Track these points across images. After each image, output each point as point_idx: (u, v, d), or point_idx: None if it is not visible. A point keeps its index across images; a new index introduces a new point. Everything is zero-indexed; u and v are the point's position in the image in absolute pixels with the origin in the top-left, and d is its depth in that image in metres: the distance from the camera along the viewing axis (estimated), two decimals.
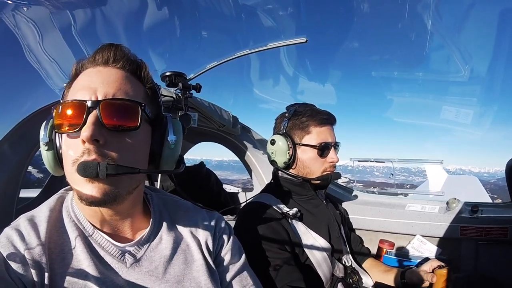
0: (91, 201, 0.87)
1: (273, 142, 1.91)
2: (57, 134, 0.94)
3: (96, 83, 0.91)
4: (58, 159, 0.95)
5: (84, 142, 0.85)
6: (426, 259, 2.29)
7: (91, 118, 0.86)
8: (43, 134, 0.94)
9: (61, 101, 0.93)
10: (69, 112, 0.89)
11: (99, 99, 0.89)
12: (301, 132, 1.90)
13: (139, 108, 0.94)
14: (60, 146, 0.94)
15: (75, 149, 0.87)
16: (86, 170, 0.82)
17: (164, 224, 1.11)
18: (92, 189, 0.86)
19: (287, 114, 1.96)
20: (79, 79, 0.96)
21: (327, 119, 1.92)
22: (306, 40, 2.35)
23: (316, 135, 1.88)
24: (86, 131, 0.84)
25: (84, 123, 0.86)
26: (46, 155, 0.95)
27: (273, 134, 1.98)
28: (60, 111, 0.90)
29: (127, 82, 0.97)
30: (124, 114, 0.92)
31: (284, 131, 1.93)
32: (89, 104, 0.88)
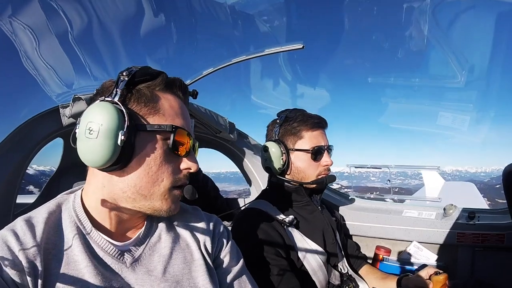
0: (174, 213, 1.08)
1: (266, 149, 1.92)
2: (136, 135, 0.97)
3: (188, 120, 1.11)
4: (128, 157, 0.96)
5: (186, 169, 1.06)
6: (423, 266, 2.28)
7: (194, 153, 1.12)
8: (118, 124, 0.92)
9: (176, 125, 1.02)
10: (183, 139, 1.04)
11: (192, 137, 1.08)
12: (294, 137, 1.91)
13: None
14: (135, 147, 0.97)
15: (173, 170, 1.04)
16: (193, 193, 1.07)
17: (162, 223, 1.13)
18: (178, 204, 1.09)
19: (278, 121, 1.98)
20: (176, 104, 1.07)
21: (319, 123, 1.94)
22: (303, 46, 2.36)
23: (308, 139, 1.89)
24: (197, 164, 1.08)
25: (187, 154, 1.07)
26: (116, 148, 0.92)
27: (266, 141, 1.99)
28: (179, 134, 1.02)
29: None
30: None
31: (277, 138, 1.94)
32: (193, 140, 1.10)
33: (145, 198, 0.99)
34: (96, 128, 0.91)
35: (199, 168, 3.29)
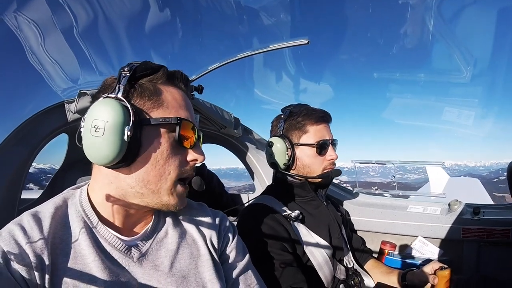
0: (180, 208, 1.07)
1: (271, 145, 1.92)
2: (141, 131, 0.97)
3: (192, 111, 1.11)
4: (135, 153, 0.96)
5: (192, 161, 1.06)
6: (428, 261, 2.28)
7: (199, 144, 1.10)
8: (124, 119, 0.92)
9: (181, 117, 1.02)
10: (189, 131, 1.05)
11: (197, 129, 1.08)
12: (298, 132, 1.91)
13: None
14: (142, 142, 0.98)
15: (180, 163, 1.04)
16: (201, 184, 1.08)
17: (169, 219, 1.14)
18: (185, 199, 1.09)
19: (282, 116, 1.98)
20: (179, 97, 1.07)
21: (323, 117, 1.93)
22: (308, 42, 2.34)
23: (313, 133, 1.89)
24: (203, 156, 1.08)
25: (194, 146, 1.07)
26: (123, 144, 0.92)
27: (271, 137, 1.99)
28: (185, 126, 1.03)
29: None
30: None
31: (281, 133, 1.94)
32: (198, 131, 1.09)
33: (153, 193, 0.99)
34: (102, 125, 0.91)
35: (205, 166, 3.30)
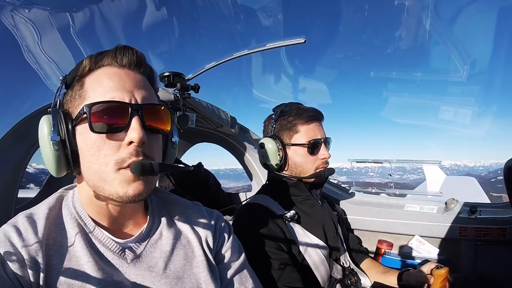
0: (135, 198, 0.92)
1: (262, 146, 1.91)
2: (71, 132, 0.92)
3: (131, 86, 0.94)
4: (70, 159, 0.93)
5: (130, 143, 0.90)
6: (425, 260, 2.29)
7: (136, 120, 0.90)
8: (48, 132, 0.91)
9: (97, 101, 0.90)
10: (111, 112, 0.90)
11: (139, 102, 0.93)
12: (289, 132, 1.89)
13: (170, 113, 1.02)
14: (76, 146, 0.93)
15: (116, 149, 0.90)
16: (144, 169, 0.87)
17: (163, 220, 1.12)
18: (138, 186, 0.91)
19: (273, 116, 1.97)
20: (103, 77, 0.94)
21: (314, 116, 1.91)
22: (305, 41, 2.34)
23: (304, 133, 1.87)
24: (137, 134, 0.89)
25: (129, 125, 0.90)
26: (54, 154, 0.91)
27: (263, 137, 1.99)
28: (99, 110, 0.89)
29: (151, 88, 1.02)
30: (161, 119, 0.99)
31: (273, 133, 1.93)
32: (132, 106, 0.91)
33: (106, 190, 0.92)
34: (40, 143, 0.94)
35: (202, 165, 3.30)
